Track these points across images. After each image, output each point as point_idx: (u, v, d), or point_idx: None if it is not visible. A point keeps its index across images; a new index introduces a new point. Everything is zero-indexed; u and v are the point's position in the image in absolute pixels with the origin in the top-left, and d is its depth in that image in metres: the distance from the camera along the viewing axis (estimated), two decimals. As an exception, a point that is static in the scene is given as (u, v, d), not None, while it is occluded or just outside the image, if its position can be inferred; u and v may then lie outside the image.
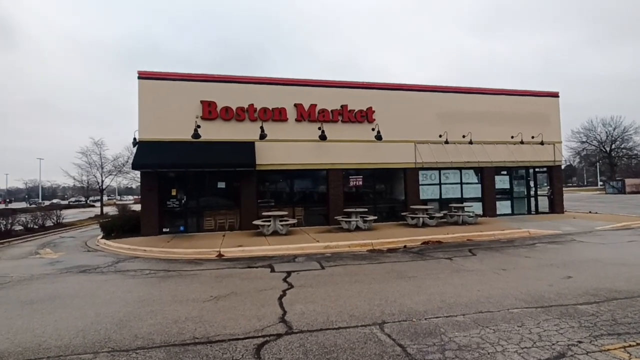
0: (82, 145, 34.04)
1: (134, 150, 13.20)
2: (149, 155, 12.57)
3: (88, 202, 51.31)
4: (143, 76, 13.20)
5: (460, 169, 16.34)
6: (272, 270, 7.60)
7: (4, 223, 15.27)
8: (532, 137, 16.80)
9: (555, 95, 17.86)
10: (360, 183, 15.34)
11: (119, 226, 13.57)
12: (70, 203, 55.63)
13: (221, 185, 14.15)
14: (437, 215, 14.05)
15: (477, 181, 16.74)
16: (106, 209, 28.24)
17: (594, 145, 57.99)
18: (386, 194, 16.32)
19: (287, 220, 12.70)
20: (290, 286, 6.25)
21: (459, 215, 14.14)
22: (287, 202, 14.64)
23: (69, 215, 27.50)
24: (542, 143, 16.80)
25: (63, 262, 9.48)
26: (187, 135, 12.63)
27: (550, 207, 17.58)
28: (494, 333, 3.98)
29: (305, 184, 15.39)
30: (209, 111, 13.45)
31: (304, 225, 14.38)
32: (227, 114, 13.62)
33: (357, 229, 12.89)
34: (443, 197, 16.19)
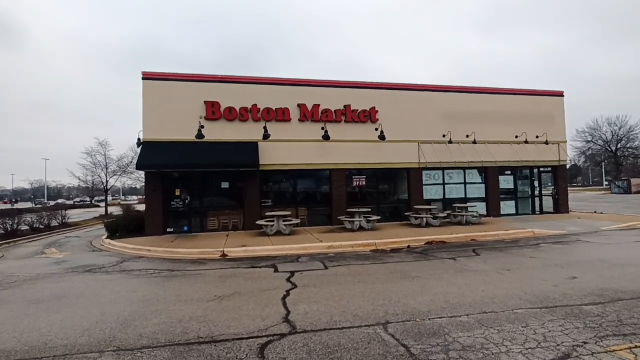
0: (86, 146, 34.30)
1: (138, 150, 13.27)
2: (153, 155, 12.64)
3: (93, 202, 51.61)
4: (147, 77, 13.27)
5: (463, 168, 16.27)
6: (276, 270, 7.62)
7: (10, 223, 15.42)
8: (537, 137, 16.70)
9: (560, 94, 17.74)
10: (364, 183, 15.33)
11: (123, 226, 13.66)
12: (75, 203, 56.02)
13: (225, 185, 14.20)
14: (441, 215, 14.01)
15: (480, 181, 16.67)
16: (111, 209, 28.41)
17: (599, 145, 57.51)
18: (389, 193, 16.29)
19: (291, 220, 12.72)
20: (294, 286, 6.26)
21: (463, 215, 14.09)
22: (290, 202, 14.66)
23: (74, 215, 27.69)
24: (546, 142, 16.69)
25: (68, 261, 9.56)
26: (190, 136, 12.68)
27: (555, 207, 17.46)
28: (498, 333, 3.97)
29: (309, 183, 15.40)
30: (213, 111, 13.50)
31: (307, 225, 14.39)
32: (231, 114, 13.66)
33: (361, 228, 12.88)
34: (447, 197, 16.14)
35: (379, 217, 13.61)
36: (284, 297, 5.58)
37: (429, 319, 4.46)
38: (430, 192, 16.01)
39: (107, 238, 12.92)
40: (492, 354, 3.50)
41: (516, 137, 16.54)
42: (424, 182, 15.83)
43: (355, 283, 6.33)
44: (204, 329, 4.36)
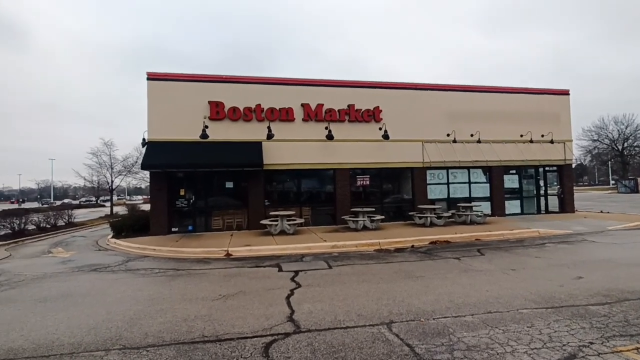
0: (92, 146, 34.56)
1: (143, 150, 13.36)
2: (158, 155, 12.71)
3: (98, 202, 52.00)
4: (152, 77, 13.35)
5: (468, 168, 16.20)
6: (280, 270, 7.64)
7: (18, 223, 15.59)
8: (542, 136, 16.59)
9: (565, 93, 17.60)
10: (368, 182, 15.31)
11: (128, 226, 13.76)
12: (81, 203, 56.41)
13: (229, 185, 14.25)
14: (445, 214, 13.96)
15: (485, 180, 16.58)
16: (116, 209, 28.61)
17: (605, 144, 56.89)
18: (393, 193, 16.26)
19: (295, 220, 12.74)
20: (298, 285, 6.27)
21: (467, 215, 14.03)
22: (294, 201, 14.68)
23: (80, 214, 27.93)
24: (552, 142, 16.57)
25: (75, 260, 9.64)
26: (195, 136, 12.74)
27: (561, 206, 17.33)
28: (503, 333, 3.95)
29: (313, 183, 15.41)
30: (217, 111, 13.55)
31: (311, 224, 14.40)
32: (235, 114, 13.70)
33: (365, 228, 12.87)
34: (451, 196, 16.07)
35: (382, 217, 13.59)
36: (288, 297, 5.59)
37: (434, 319, 4.45)
38: (435, 191, 15.95)
39: (112, 237, 13.02)
40: (497, 354, 3.49)
41: (521, 136, 16.43)
42: (428, 182, 15.78)
43: (359, 283, 6.33)
44: (209, 328, 4.38)
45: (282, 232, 12.31)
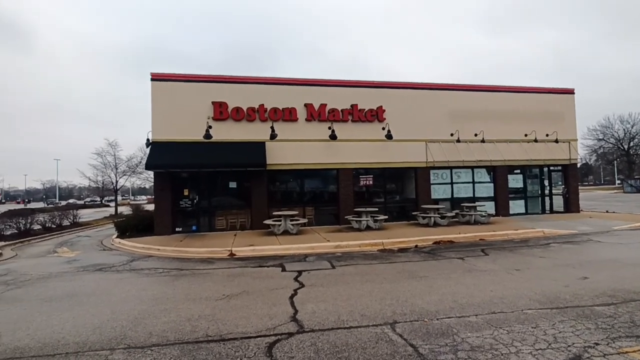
0: (96, 147, 34.75)
1: (147, 150, 13.43)
2: (162, 155, 12.77)
3: (103, 202, 52.38)
4: (156, 78, 13.41)
5: (472, 167, 16.13)
6: (283, 270, 7.65)
7: (24, 222, 15.73)
8: (547, 135, 16.48)
9: (570, 92, 17.48)
10: (371, 182, 15.29)
11: (133, 225, 13.84)
12: (86, 203, 56.85)
13: (232, 185, 14.29)
14: (449, 214, 13.91)
15: (489, 180, 16.50)
16: (120, 209, 28.77)
17: (611, 143, 56.28)
18: (397, 193, 16.22)
19: (298, 220, 12.75)
20: (302, 285, 6.27)
21: (471, 215, 13.97)
22: (297, 201, 14.69)
23: (85, 215, 28.10)
24: (556, 141, 16.46)
25: (80, 260, 9.71)
26: (199, 136, 12.78)
27: (566, 206, 17.21)
28: (508, 334, 3.93)
29: (316, 183, 15.42)
30: (220, 112, 13.59)
31: (315, 224, 14.41)
32: (238, 115, 13.73)
33: (368, 228, 12.85)
34: (455, 196, 16.01)
35: (386, 217, 13.56)
36: (291, 297, 5.59)
37: (438, 319, 4.43)
38: (438, 191, 15.90)
39: (117, 237, 13.10)
40: (502, 354, 3.47)
41: (526, 135, 16.34)
42: (431, 182, 15.73)
43: (362, 283, 6.32)
44: (213, 327, 4.40)
45: (286, 232, 12.32)
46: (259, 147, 13.59)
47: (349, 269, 7.57)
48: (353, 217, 13.36)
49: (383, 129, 14.51)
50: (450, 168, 15.90)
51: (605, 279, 6.08)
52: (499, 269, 7.03)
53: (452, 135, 15.50)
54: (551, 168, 17.39)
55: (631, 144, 54.08)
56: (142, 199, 70.99)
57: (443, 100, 15.76)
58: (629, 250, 8.67)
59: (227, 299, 5.57)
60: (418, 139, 15.33)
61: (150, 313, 5.00)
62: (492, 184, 16.45)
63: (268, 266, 8.08)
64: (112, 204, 36.86)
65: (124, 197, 68.57)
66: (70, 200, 66.92)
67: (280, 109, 14.09)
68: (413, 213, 14.56)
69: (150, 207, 18.47)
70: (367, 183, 15.26)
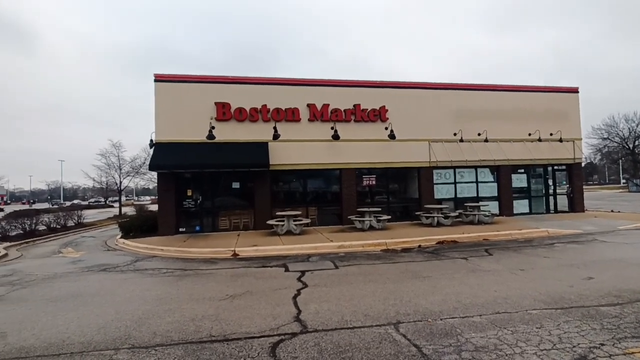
0: (100, 147, 34.95)
1: (151, 151, 13.49)
2: (165, 156, 12.83)
3: (107, 202, 52.64)
4: (159, 79, 13.47)
5: (475, 167, 16.06)
6: (287, 270, 7.65)
7: (29, 223, 15.85)
8: (551, 134, 16.38)
9: (574, 90, 17.37)
10: (374, 182, 15.27)
11: (137, 226, 13.91)
12: (90, 204, 57.15)
13: (236, 185, 14.33)
14: (452, 214, 13.86)
15: (493, 180, 16.43)
16: (124, 209, 28.93)
17: (616, 142, 55.83)
18: (400, 193, 16.19)
19: (301, 220, 12.75)
20: (305, 285, 6.28)
21: (475, 215, 13.91)
22: (300, 201, 14.70)
23: (89, 215, 28.28)
24: (561, 140, 16.35)
25: (84, 261, 9.77)
26: (202, 137, 12.82)
27: (570, 206, 17.10)
28: (512, 334, 3.91)
29: (319, 183, 15.42)
30: (223, 112, 13.63)
31: (318, 224, 14.41)
32: (241, 115, 13.77)
33: (371, 228, 12.83)
34: (458, 196, 15.96)
35: (389, 217, 13.54)
36: (295, 297, 5.60)
37: (441, 319, 4.42)
38: (442, 191, 15.85)
39: (121, 238, 13.16)
40: (506, 355, 3.45)
41: (529, 134, 16.25)
42: (434, 182, 15.69)
43: (366, 283, 6.31)
44: (217, 327, 4.41)
45: (289, 232, 12.33)
46: (262, 148, 13.62)
47: (352, 269, 7.56)
48: (356, 217, 13.35)
49: (386, 128, 14.49)
50: (454, 168, 15.84)
51: (610, 279, 6.03)
52: (502, 269, 6.99)
53: (455, 134, 15.44)
54: (555, 167, 17.29)
55: (636, 142, 53.63)
56: (145, 199, 71.25)
57: (446, 100, 15.71)
58: (635, 250, 8.60)
59: (230, 299, 5.58)
60: (421, 138, 15.29)
61: (154, 313, 5.02)
62: (495, 184, 16.38)
63: (271, 266, 8.09)
64: (116, 204, 37.06)
65: (127, 198, 68.96)
66: (75, 201, 67.32)
67: (283, 109, 14.11)
68: (416, 213, 14.53)
69: (154, 207, 18.55)
70: (370, 183, 15.24)
